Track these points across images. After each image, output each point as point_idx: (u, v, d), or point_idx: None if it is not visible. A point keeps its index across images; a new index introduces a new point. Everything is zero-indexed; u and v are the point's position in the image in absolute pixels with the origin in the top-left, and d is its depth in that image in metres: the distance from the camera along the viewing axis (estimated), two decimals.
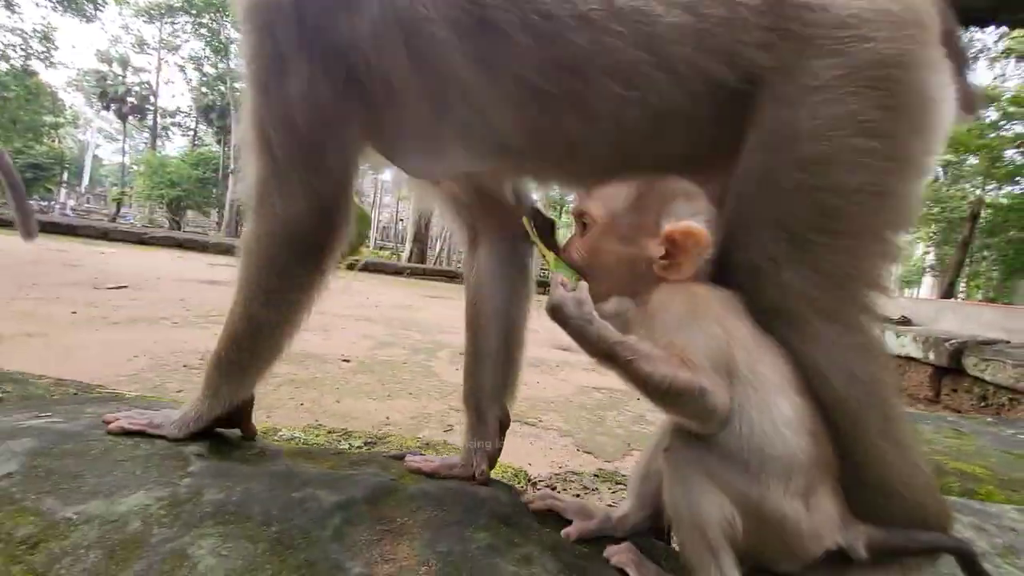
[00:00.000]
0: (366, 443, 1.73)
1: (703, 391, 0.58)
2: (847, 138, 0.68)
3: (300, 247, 0.80)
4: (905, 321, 6.17)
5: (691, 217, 0.67)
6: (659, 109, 0.71)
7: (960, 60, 0.82)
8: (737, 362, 0.62)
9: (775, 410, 0.62)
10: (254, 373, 0.87)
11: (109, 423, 0.84)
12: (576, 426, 3.15)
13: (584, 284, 0.62)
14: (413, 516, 0.69)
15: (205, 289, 6.53)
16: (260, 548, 0.60)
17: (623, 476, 1.84)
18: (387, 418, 2.68)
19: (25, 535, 0.59)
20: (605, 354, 0.58)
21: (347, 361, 3.70)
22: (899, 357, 4.71)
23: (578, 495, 1.65)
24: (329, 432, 1.81)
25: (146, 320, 4.50)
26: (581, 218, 0.73)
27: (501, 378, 0.98)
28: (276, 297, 0.82)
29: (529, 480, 1.70)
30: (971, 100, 0.83)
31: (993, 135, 13.73)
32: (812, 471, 0.62)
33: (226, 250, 12.46)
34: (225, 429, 0.90)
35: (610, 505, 0.93)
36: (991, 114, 14.39)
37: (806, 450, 0.62)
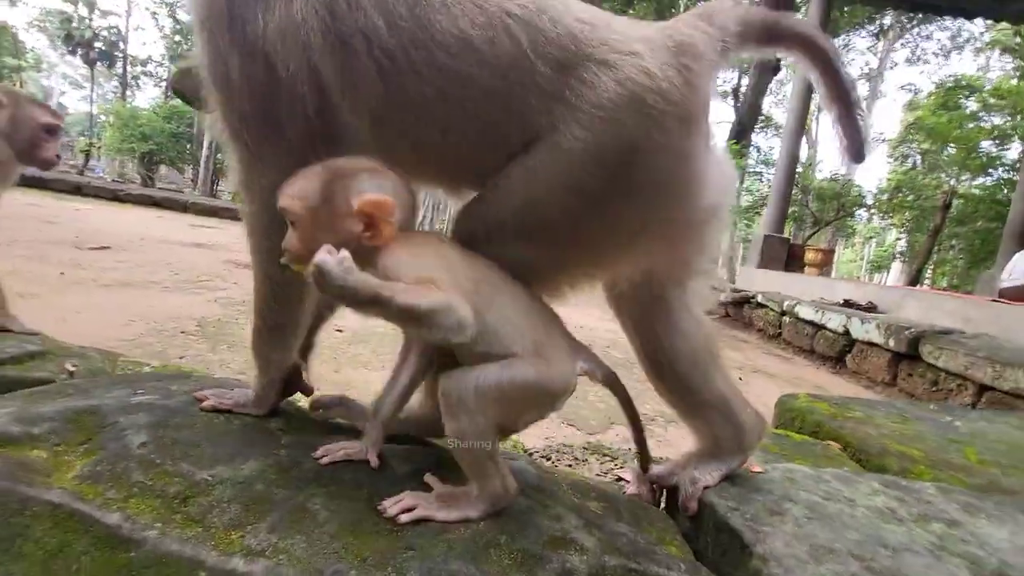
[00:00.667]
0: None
1: (451, 306, 0.71)
2: (568, 197, 0.82)
3: None
4: (872, 307, 6.50)
5: (376, 189, 0.77)
6: (467, 151, 0.86)
7: (850, 109, 0.94)
8: (462, 279, 0.77)
9: (499, 303, 0.79)
10: (290, 332, 0.98)
11: (201, 401, 0.97)
12: None
13: (345, 250, 0.69)
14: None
15: (190, 252, 6.47)
16: (360, 505, 0.76)
17: (608, 448, 2.04)
18: None
19: (176, 492, 0.72)
20: (370, 300, 0.68)
21: (340, 331, 3.79)
22: (861, 342, 5.04)
23: (570, 466, 1.84)
24: None
25: (136, 284, 4.49)
26: (286, 216, 0.80)
27: None
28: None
29: (526, 451, 1.88)
30: (859, 149, 0.96)
31: (972, 126, 14.06)
32: (537, 330, 0.81)
33: (205, 211, 12.17)
34: (289, 397, 1.04)
35: None
36: (971, 105, 14.72)
37: (528, 319, 0.81)
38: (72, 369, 1.17)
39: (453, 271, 0.77)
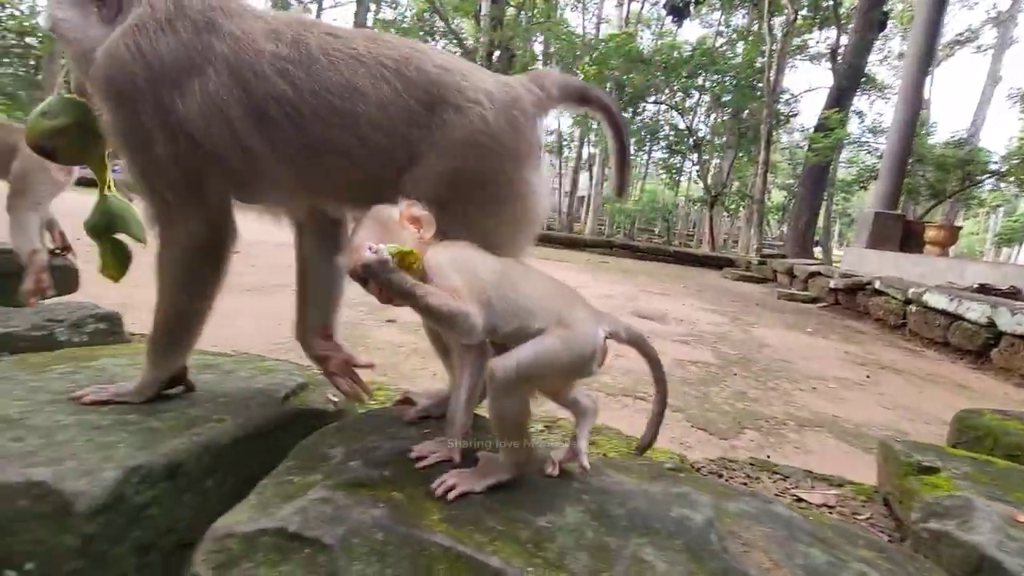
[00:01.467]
0: (546, 426, 1.99)
1: (467, 314, 0.88)
2: (444, 191, 1.06)
3: (204, 254, 1.15)
4: (1015, 291, 5.81)
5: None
6: (367, 173, 1.10)
7: (623, 157, 1.31)
8: (486, 282, 0.93)
9: (523, 285, 0.97)
10: (187, 344, 1.24)
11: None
12: (684, 402, 3.32)
13: (383, 246, 0.85)
14: (749, 531, 0.90)
15: None
16: (683, 556, 0.81)
17: (775, 464, 2.02)
18: None
19: (527, 537, 0.81)
20: (406, 294, 0.85)
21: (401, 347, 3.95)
22: (1011, 335, 4.54)
23: (744, 483, 1.85)
24: None
25: (270, 287, 4.95)
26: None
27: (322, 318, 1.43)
28: (197, 290, 1.18)
29: (692, 466, 1.91)
30: (622, 187, 1.39)
31: None
32: (556, 305, 0.96)
33: None
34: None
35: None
36: None
37: (549, 296, 0.97)
38: (335, 400, 1.36)
39: (477, 270, 0.94)
